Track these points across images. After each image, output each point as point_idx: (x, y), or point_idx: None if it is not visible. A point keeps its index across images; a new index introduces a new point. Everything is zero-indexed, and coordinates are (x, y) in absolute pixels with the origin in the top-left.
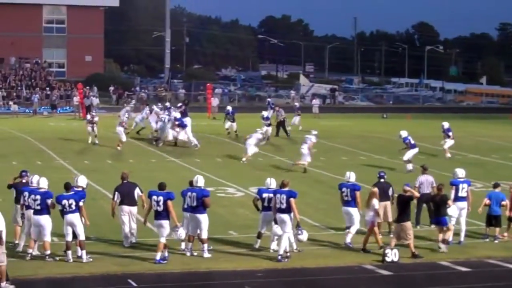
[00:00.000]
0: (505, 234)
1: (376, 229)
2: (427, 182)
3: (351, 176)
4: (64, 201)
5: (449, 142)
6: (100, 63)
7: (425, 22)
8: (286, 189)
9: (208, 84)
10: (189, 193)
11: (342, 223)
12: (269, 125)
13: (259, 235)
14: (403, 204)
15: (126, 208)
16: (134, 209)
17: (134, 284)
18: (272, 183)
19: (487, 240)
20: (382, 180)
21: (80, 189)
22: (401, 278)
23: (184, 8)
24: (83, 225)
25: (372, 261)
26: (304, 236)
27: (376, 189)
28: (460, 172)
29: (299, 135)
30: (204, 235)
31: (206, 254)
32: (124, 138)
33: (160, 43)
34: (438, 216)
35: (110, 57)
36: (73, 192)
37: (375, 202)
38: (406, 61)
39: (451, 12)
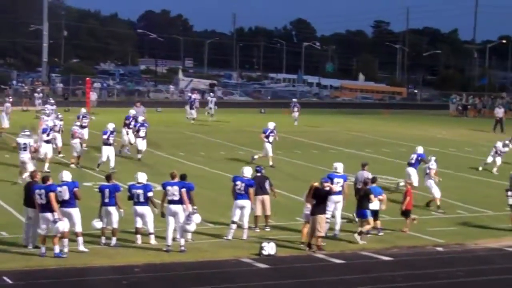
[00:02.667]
0: (405, 229)
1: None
2: (362, 177)
3: (247, 171)
4: None
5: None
6: None
7: (303, 19)
8: (176, 180)
9: (88, 79)
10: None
11: (219, 217)
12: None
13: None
14: (319, 198)
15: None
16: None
17: (10, 282)
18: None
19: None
20: (259, 174)
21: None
22: (278, 271)
23: (62, 1)
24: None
25: (250, 255)
26: (192, 226)
27: (315, 184)
28: (339, 167)
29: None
30: (79, 228)
31: (81, 248)
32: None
33: (38, 36)
34: (361, 209)
35: None
36: None
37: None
38: (284, 57)
39: (328, 9)
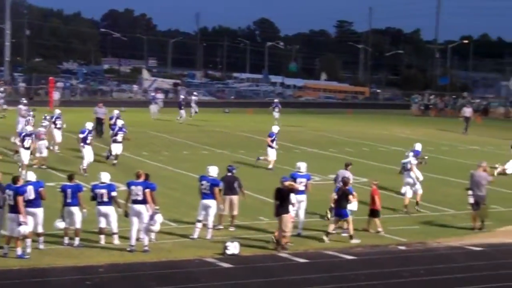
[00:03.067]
0: (371, 229)
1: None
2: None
3: (212, 171)
4: None
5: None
6: None
7: (266, 18)
8: (141, 180)
9: (51, 78)
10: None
11: (183, 217)
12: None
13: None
14: (282, 197)
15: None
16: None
17: None
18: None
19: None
20: (229, 173)
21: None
22: (242, 270)
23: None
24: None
25: (214, 254)
26: (156, 226)
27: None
28: (302, 166)
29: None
30: (41, 229)
31: (41, 246)
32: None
33: (0, 35)
34: (338, 209)
35: None
36: None
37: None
38: (247, 57)
39: (291, 8)
